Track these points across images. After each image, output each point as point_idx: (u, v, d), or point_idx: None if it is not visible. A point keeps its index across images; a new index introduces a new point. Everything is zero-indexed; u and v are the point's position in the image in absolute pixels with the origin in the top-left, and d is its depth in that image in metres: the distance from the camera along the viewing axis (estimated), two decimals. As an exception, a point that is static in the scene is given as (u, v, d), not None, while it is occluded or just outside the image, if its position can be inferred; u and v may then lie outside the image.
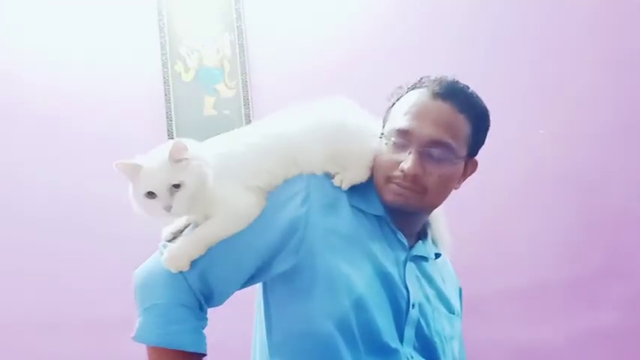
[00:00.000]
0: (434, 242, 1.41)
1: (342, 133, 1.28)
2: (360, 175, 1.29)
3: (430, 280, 1.35)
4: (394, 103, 1.32)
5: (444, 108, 1.25)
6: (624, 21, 2.42)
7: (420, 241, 1.36)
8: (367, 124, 1.32)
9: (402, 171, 1.23)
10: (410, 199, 1.25)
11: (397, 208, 1.27)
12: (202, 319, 1.22)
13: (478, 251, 2.30)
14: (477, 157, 1.36)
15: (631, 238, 2.35)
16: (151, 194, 1.15)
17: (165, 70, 2.59)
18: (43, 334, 2.40)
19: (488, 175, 2.28)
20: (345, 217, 1.26)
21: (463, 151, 1.28)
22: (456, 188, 1.32)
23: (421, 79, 1.32)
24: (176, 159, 1.15)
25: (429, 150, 1.24)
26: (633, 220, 2.35)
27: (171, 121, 2.57)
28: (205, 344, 1.21)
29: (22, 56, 2.56)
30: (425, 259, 1.36)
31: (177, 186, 1.15)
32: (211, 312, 1.26)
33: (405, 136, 1.25)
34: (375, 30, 2.55)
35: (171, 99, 2.58)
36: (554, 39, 2.46)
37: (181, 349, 1.18)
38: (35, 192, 2.49)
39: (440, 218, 1.42)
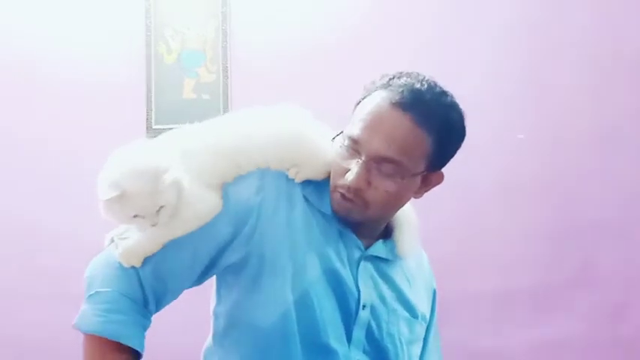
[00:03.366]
0: (398, 243, 1.26)
1: (299, 141, 1.18)
2: (315, 172, 1.18)
3: (390, 282, 1.22)
4: (360, 101, 1.18)
5: (401, 120, 1.09)
6: (611, 29, 2.29)
7: (381, 241, 1.23)
8: (322, 134, 1.21)
9: (347, 181, 1.11)
10: (352, 212, 1.14)
11: (341, 217, 1.16)
12: (145, 317, 1.11)
13: (449, 252, 2.17)
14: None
15: (604, 248, 2.22)
16: (136, 215, 1.08)
17: (149, 50, 2.48)
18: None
19: (463, 176, 2.20)
20: (298, 211, 1.16)
21: (419, 167, 1.13)
22: (416, 197, 1.20)
23: (391, 78, 1.15)
24: (160, 181, 1.07)
25: (377, 165, 1.10)
26: (608, 230, 2.22)
27: (150, 101, 2.47)
28: (143, 344, 1.09)
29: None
30: (384, 259, 1.23)
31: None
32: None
33: (355, 145, 1.12)
34: (361, 23, 2.41)
35: (152, 80, 2.47)
36: (539, 42, 2.32)
37: (118, 340, 1.07)
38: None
39: (407, 220, 1.27)
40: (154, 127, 2.43)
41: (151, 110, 2.44)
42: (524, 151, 2.28)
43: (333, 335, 1.12)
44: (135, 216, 1.07)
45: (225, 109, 2.40)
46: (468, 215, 2.28)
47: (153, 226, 1.08)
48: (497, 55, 2.33)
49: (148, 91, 2.45)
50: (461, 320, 2.18)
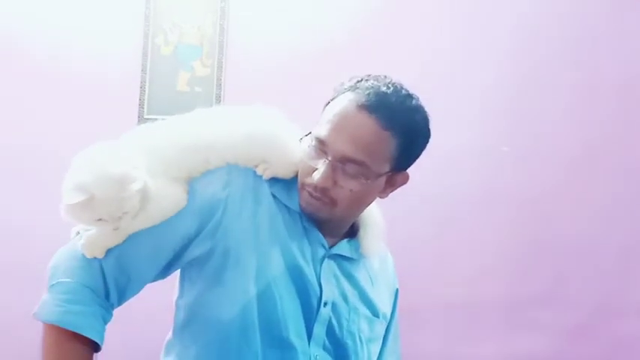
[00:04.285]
0: (363, 242, 1.26)
1: (269, 139, 1.19)
2: (284, 170, 1.19)
3: (352, 280, 1.23)
4: (329, 102, 1.18)
5: (366, 123, 1.11)
6: (606, 51, 2.31)
7: (346, 240, 1.24)
8: (292, 134, 1.21)
9: (313, 180, 1.13)
10: (320, 209, 1.15)
11: (309, 215, 1.18)
12: (106, 309, 1.11)
13: (422, 261, 2.18)
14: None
15: (577, 266, 2.23)
16: (100, 219, 1.07)
17: (146, 41, 2.49)
18: None
19: (443, 183, 2.22)
20: (265, 207, 1.17)
21: (383, 168, 1.14)
22: (382, 197, 1.21)
23: (359, 81, 1.16)
24: (127, 188, 1.06)
25: (342, 165, 1.12)
26: (582, 248, 2.23)
27: (144, 92, 2.47)
28: (103, 336, 1.09)
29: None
30: (348, 258, 1.24)
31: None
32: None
33: (322, 145, 1.13)
34: (357, 20, 2.42)
35: (148, 71, 2.47)
36: (532, 56, 2.34)
37: (76, 330, 1.06)
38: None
39: (373, 221, 1.28)
40: (145, 117, 2.44)
41: (144, 100, 2.45)
42: (504, 164, 2.29)
43: (294, 330, 1.13)
44: (98, 220, 1.06)
45: (217, 104, 2.40)
46: (442, 225, 2.28)
47: (114, 230, 1.07)
48: (489, 68, 2.34)
49: (143, 81, 2.46)
50: (431, 330, 2.18)
